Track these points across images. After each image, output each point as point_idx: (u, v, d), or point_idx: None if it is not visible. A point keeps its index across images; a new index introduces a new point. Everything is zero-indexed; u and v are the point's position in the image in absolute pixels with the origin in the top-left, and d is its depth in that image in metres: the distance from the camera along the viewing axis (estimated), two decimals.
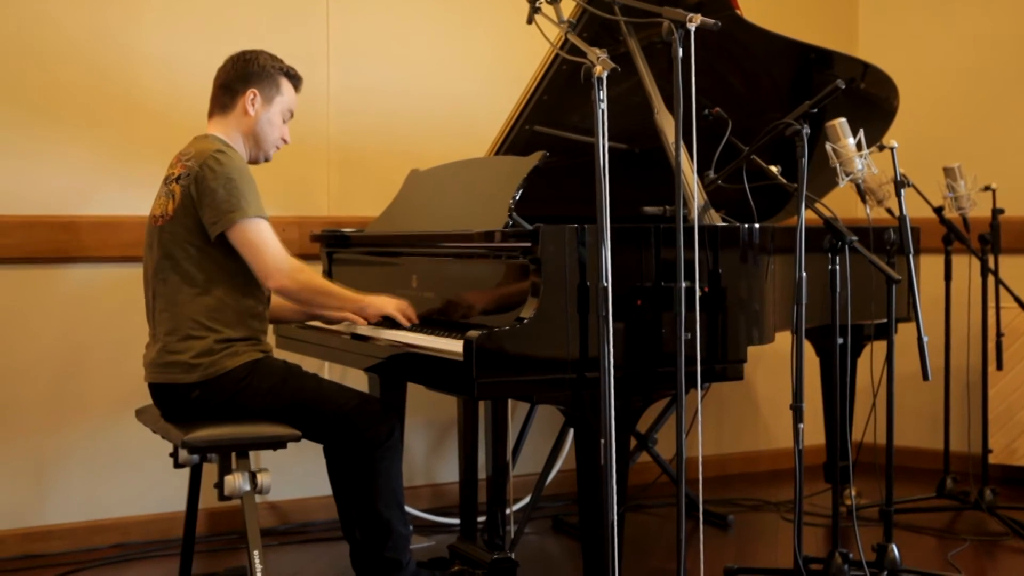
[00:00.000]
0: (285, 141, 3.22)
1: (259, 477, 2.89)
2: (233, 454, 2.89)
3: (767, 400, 5.22)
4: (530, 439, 4.20)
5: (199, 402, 2.95)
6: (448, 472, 4.42)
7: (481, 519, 3.56)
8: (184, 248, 2.98)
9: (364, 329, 3.14)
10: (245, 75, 3.12)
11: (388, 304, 3.09)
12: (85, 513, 3.86)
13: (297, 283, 2.97)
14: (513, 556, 3.29)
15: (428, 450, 4.45)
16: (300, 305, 3.26)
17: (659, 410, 4.32)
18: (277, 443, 2.91)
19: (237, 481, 2.86)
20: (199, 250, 2.97)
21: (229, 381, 2.93)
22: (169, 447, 3.12)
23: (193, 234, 2.97)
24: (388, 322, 3.10)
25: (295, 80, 3.21)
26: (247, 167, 3.03)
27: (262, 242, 2.94)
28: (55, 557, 3.75)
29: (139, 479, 3.92)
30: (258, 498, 2.91)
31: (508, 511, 3.44)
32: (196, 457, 3.08)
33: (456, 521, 3.88)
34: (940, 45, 5.18)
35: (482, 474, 3.53)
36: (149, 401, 3.14)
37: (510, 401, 3.60)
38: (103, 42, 3.87)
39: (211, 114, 3.18)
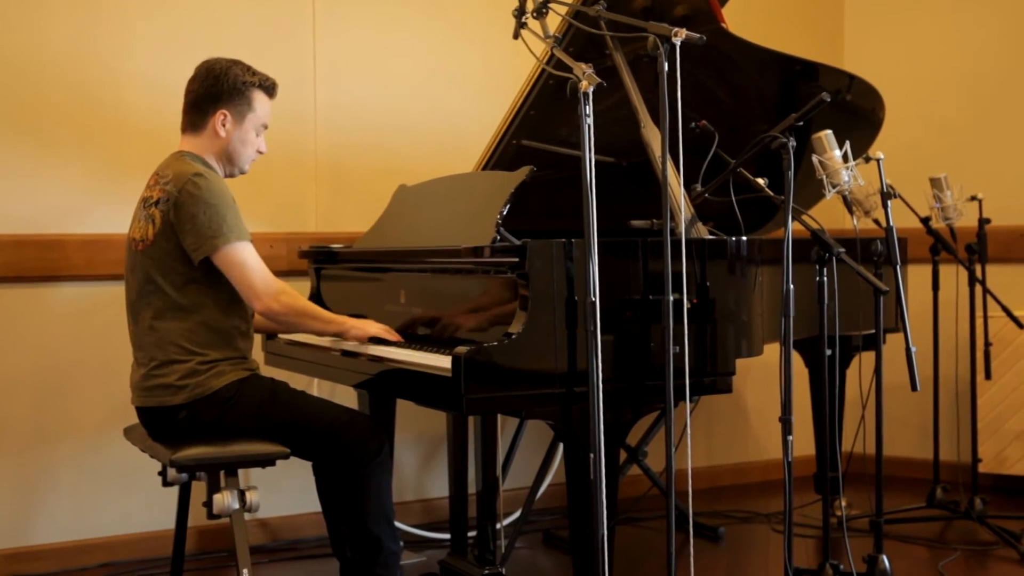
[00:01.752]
0: (261, 152, 3.19)
1: (248, 495, 2.89)
2: (222, 472, 2.88)
3: (757, 412, 5.22)
4: (520, 453, 4.19)
5: (187, 422, 2.94)
6: (438, 487, 4.41)
7: (472, 534, 3.55)
8: (166, 273, 2.97)
9: (353, 345, 3.13)
10: (215, 94, 3.07)
11: (370, 327, 3.09)
12: (73, 533, 3.85)
13: (283, 305, 2.96)
14: (504, 571, 3.28)
15: (418, 465, 4.44)
16: (283, 327, 3.26)
17: (649, 423, 4.32)
18: (266, 461, 2.90)
19: (226, 499, 2.86)
20: (181, 275, 2.96)
21: (216, 401, 2.93)
22: (157, 466, 3.11)
23: (175, 259, 2.95)
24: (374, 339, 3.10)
25: (269, 90, 3.15)
26: (226, 188, 3.00)
27: (247, 265, 2.92)
28: None
29: (127, 498, 3.90)
30: (247, 516, 2.90)
31: (498, 526, 3.43)
32: (184, 476, 3.07)
33: (447, 536, 3.87)
34: (926, 56, 5.20)
35: (472, 489, 3.52)
36: (137, 419, 3.13)
37: (500, 416, 3.59)
38: (90, 61, 3.87)
39: (184, 130, 3.14)
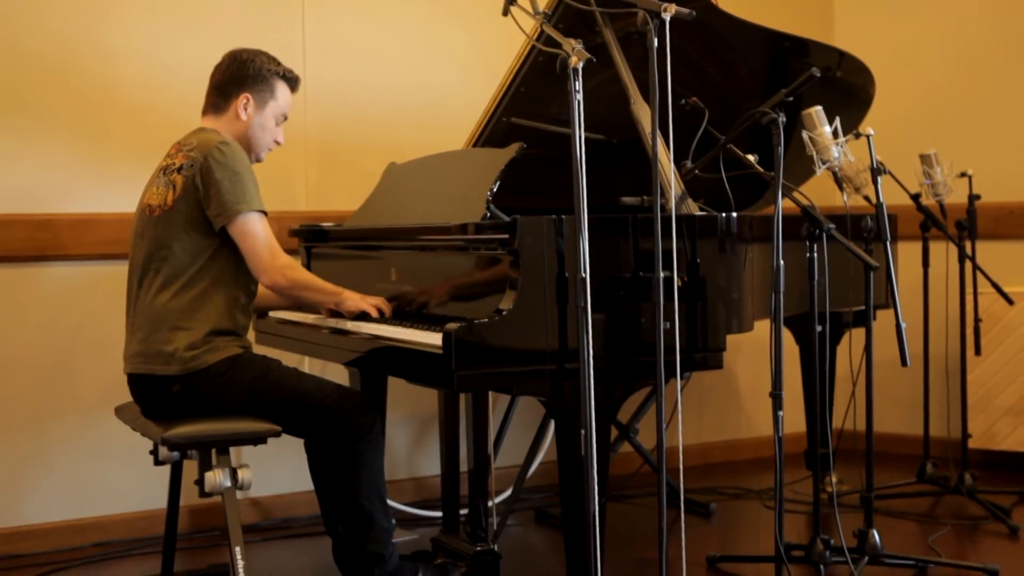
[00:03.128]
0: (278, 143, 3.24)
1: (240, 473, 2.89)
2: (213, 450, 2.88)
3: (748, 389, 5.23)
4: (512, 431, 4.20)
5: (179, 397, 2.94)
6: (430, 465, 4.42)
7: (463, 512, 3.56)
8: (180, 240, 2.98)
9: (343, 323, 3.14)
10: (239, 78, 3.12)
11: (364, 301, 3.11)
12: (65, 512, 3.85)
13: (288, 280, 3.01)
14: (496, 548, 3.29)
15: (410, 444, 4.45)
16: (286, 300, 3.30)
17: (640, 400, 4.33)
18: (257, 439, 2.90)
19: (217, 477, 2.86)
20: (194, 241, 2.98)
21: (209, 376, 2.93)
22: (149, 444, 3.11)
23: (192, 224, 2.97)
24: (367, 315, 3.11)
25: (292, 82, 3.21)
26: (248, 160, 3.05)
27: (260, 238, 2.97)
28: (35, 557, 3.73)
29: (119, 477, 3.91)
30: (240, 494, 2.91)
31: (490, 503, 3.44)
32: (176, 454, 3.07)
33: (439, 514, 3.87)
34: (916, 34, 5.20)
35: (464, 467, 3.53)
36: (129, 399, 3.13)
37: (492, 393, 3.60)
38: (80, 40, 3.85)
39: (205, 112, 3.18)
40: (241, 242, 2.96)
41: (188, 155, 3.00)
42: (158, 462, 3.15)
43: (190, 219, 2.97)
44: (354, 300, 3.11)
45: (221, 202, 2.93)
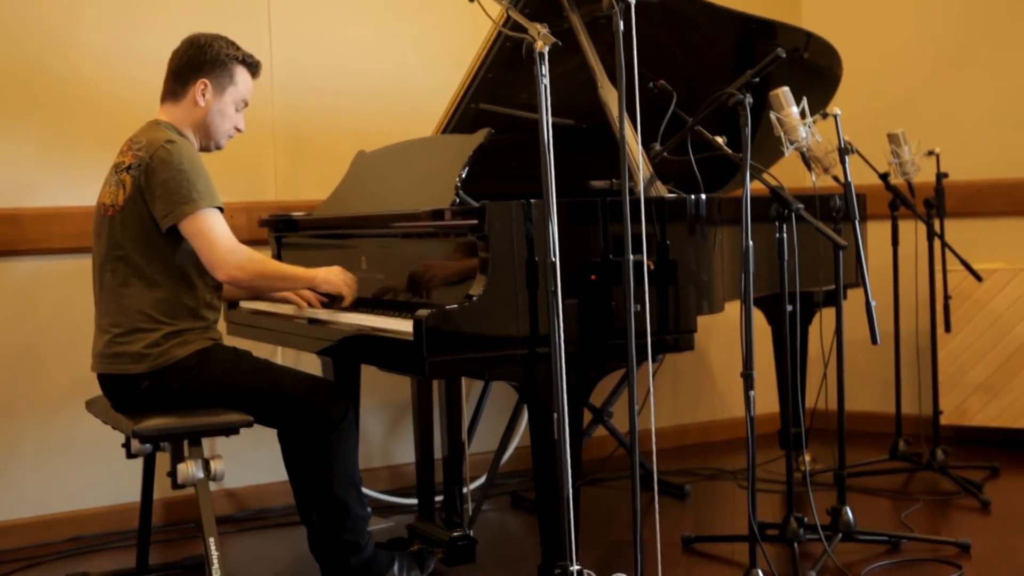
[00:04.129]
0: (239, 130, 3.17)
1: (212, 464, 2.88)
2: (185, 442, 2.87)
3: (722, 370, 5.26)
4: (487, 417, 4.20)
5: (149, 392, 2.93)
6: (405, 453, 4.42)
7: (439, 498, 3.56)
8: (134, 240, 2.94)
9: (315, 312, 3.13)
10: (197, 63, 3.06)
11: (338, 278, 3.07)
12: (38, 508, 3.83)
13: (248, 272, 2.92)
14: (472, 533, 3.29)
15: (385, 431, 4.45)
16: (253, 292, 3.24)
17: (614, 383, 4.33)
18: (229, 429, 2.89)
19: (190, 469, 2.85)
20: (149, 242, 2.94)
21: (179, 370, 2.91)
22: (122, 438, 3.10)
23: (144, 225, 2.93)
24: (335, 301, 3.10)
25: (252, 67, 3.15)
26: (198, 157, 2.99)
27: (212, 233, 2.88)
28: (8, 553, 3.71)
29: (92, 471, 3.88)
30: (215, 486, 2.90)
31: (465, 489, 3.44)
32: (149, 447, 3.06)
33: (414, 501, 3.87)
34: (883, 13, 5.21)
35: (439, 454, 3.53)
36: (99, 392, 3.11)
37: (466, 380, 3.60)
38: (41, 32, 3.81)
39: (163, 99, 3.12)
40: (192, 240, 2.89)
41: (136, 154, 2.95)
42: (130, 455, 3.14)
43: (140, 220, 2.93)
44: (330, 281, 3.07)
45: (166, 202, 2.87)
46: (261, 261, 3.00)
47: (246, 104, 3.17)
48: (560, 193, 2.49)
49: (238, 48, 3.12)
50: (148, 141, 2.96)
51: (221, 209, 2.95)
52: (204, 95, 3.06)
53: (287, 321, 3.28)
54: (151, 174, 2.89)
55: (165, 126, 3.04)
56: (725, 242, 3.18)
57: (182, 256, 2.96)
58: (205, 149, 3.14)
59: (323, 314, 3.11)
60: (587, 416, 4.16)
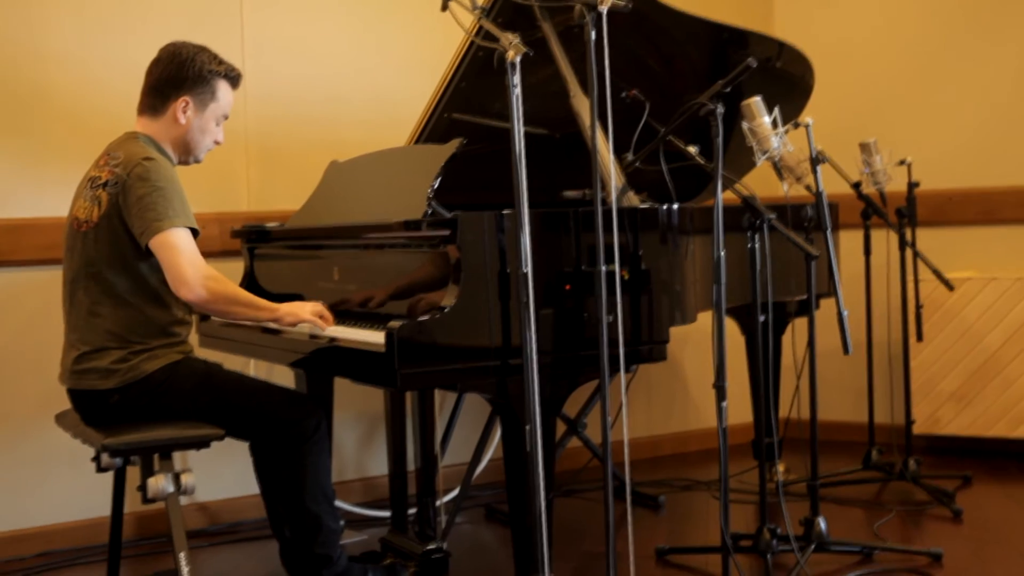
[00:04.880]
0: (218, 142, 3.13)
1: (183, 478, 2.85)
2: (156, 456, 2.84)
3: (696, 380, 5.26)
4: (460, 429, 4.19)
5: (119, 406, 2.90)
6: (379, 465, 4.39)
7: (412, 511, 3.55)
8: (108, 257, 2.91)
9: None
10: (178, 79, 2.99)
11: (303, 311, 2.96)
12: (6, 523, 3.78)
13: (211, 293, 2.83)
14: (445, 546, 3.28)
15: (358, 444, 4.42)
16: (215, 315, 3.19)
17: (588, 394, 4.33)
18: (200, 443, 2.87)
19: (160, 483, 2.82)
20: (122, 260, 2.91)
21: (149, 385, 2.89)
22: (91, 452, 3.07)
23: (119, 243, 2.90)
24: None
25: (234, 80, 3.10)
26: (176, 175, 2.94)
27: (179, 251, 2.82)
28: None
29: (62, 486, 3.84)
30: (186, 499, 2.88)
31: (438, 502, 3.43)
32: (119, 461, 3.03)
33: (388, 514, 3.86)
34: (855, 23, 5.24)
35: (412, 466, 3.51)
36: (69, 406, 3.08)
37: (439, 391, 3.58)
38: (11, 40, 3.78)
39: (141, 111, 3.07)
40: (160, 256, 2.83)
41: (113, 171, 2.91)
42: (100, 469, 3.10)
43: (116, 237, 2.89)
44: (293, 314, 2.95)
45: (143, 219, 2.83)
46: (227, 285, 2.91)
47: (226, 118, 3.13)
48: (533, 203, 2.48)
49: (221, 62, 3.06)
50: (126, 156, 2.92)
51: (196, 231, 2.91)
52: (185, 112, 3.01)
53: (260, 333, 3.26)
54: (128, 191, 2.86)
55: (143, 140, 3.00)
56: (698, 252, 3.18)
57: (155, 274, 2.92)
58: (183, 163, 3.10)
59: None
60: (561, 427, 4.15)
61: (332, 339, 2.89)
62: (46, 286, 3.69)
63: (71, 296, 2.99)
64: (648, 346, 2.95)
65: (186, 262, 2.82)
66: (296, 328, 3.03)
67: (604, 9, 2.50)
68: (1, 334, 3.79)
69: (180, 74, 3.00)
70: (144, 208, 2.84)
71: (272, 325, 3.10)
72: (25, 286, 3.81)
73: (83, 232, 2.95)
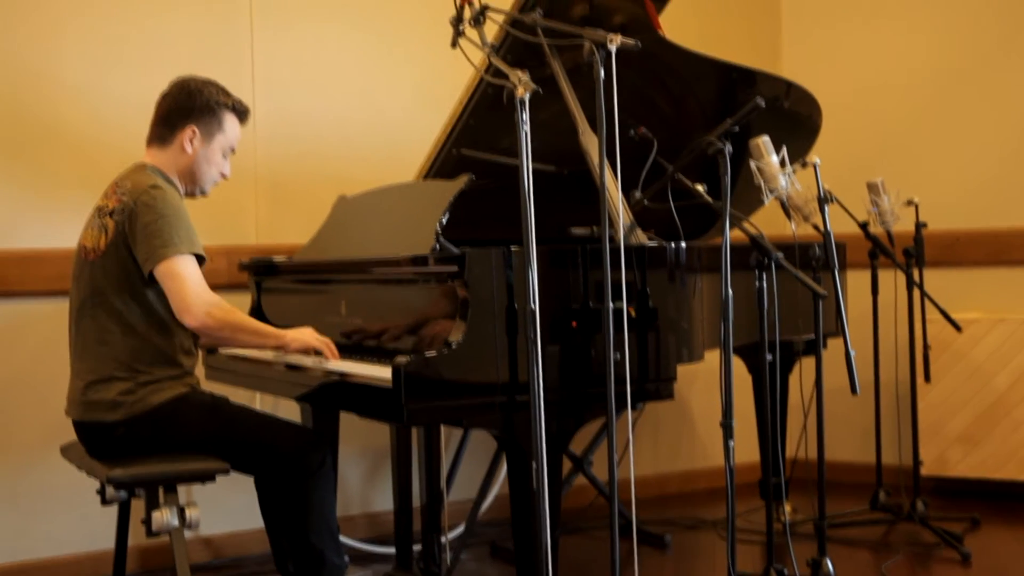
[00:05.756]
0: (224, 176, 3.16)
1: (188, 511, 2.84)
2: (161, 489, 2.84)
3: (703, 419, 5.24)
4: (465, 464, 4.17)
5: (125, 439, 2.90)
6: (384, 500, 4.38)
7: (417, 547, 3.53)
8: (114, 285, 2.92)
9: (294, 357, 3.10)
10: (186, 109, 3.04)
11: (309, 336, 2.99)
12: (10, 555, 3.76)
13: (215, 320, 2.86)
14: None
15: (363, 479, 4.41)
16: (220, 342, 3.19)
17: (595, 431, 4.31)
18: (205, 476, 2.86)
19: (165, 516, 2.81)
20: (129, 288, 2.92)
21: (154, 417, 2.88)
22: (96, 484, 3.06)
23: (125, 271, 2.91)
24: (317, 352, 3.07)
25: (241, 114, 3.13)
26: (182, 204, 2.97)
27: (185, 278, 2.84)
28: None
29: (66, 518, 3.83)
30: (190, 533, 2.87)
31: (444, 538, 3.41)
32: (124, 493, 3.01)
33: (393, 550, 3.84)
34: (862, 64, 5.26)
35: (418, 502, 3.50)
36: (75, 438, 3.07)
37: (445, 427, 3.58)
38: (20, 72, 3.81)
39: (149, 142, 3.10)
40: (165, 283, 2.85)
41: (121, 199, 2.94)
42: (105, 502, 3.09)
43: (123, 265, 2.91)
44: (299, 340, 2.98)
45: (148, 246, 2.85)
46: (231, 311, 2.92)
47: (233, 151, 3.15)
48: (541, 239, 2.48)
49: (228, 95, 3.10)
50: (133, 185, 2.94)
51: (202, 259, 2.92)
52: (192, 142, 3.04)
53: (266, 366, 3.26)
54: (134, 219, 2.88)
55: (151, 170, 3.02)
56: (705, 290, 3.18)
57: (161, 302, 2.93)
58: (190, 195, 3.12)
59: (300, 359, 3.08)
60: (567, 464, 4.13)
61: (339, 373, 2.89)
62: (54, 317, 3.69)
63: (77, 324, 3.00)
64: (655, 384, 2.94)
65: (189, 290, 2.84)
66: (300, 361, 3.03)
67: (613, 47, 2.51)
68: (9, 364, 3.79)
69: (188, 104, 3.04)
70: (150, 235, 2.85)
71: (277, 353, 3.11)
72: (33, 316, 3.82)
73: (90, 260, 2.96)
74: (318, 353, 3.01)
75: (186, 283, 2.85)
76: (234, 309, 2.95)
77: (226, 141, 3.11)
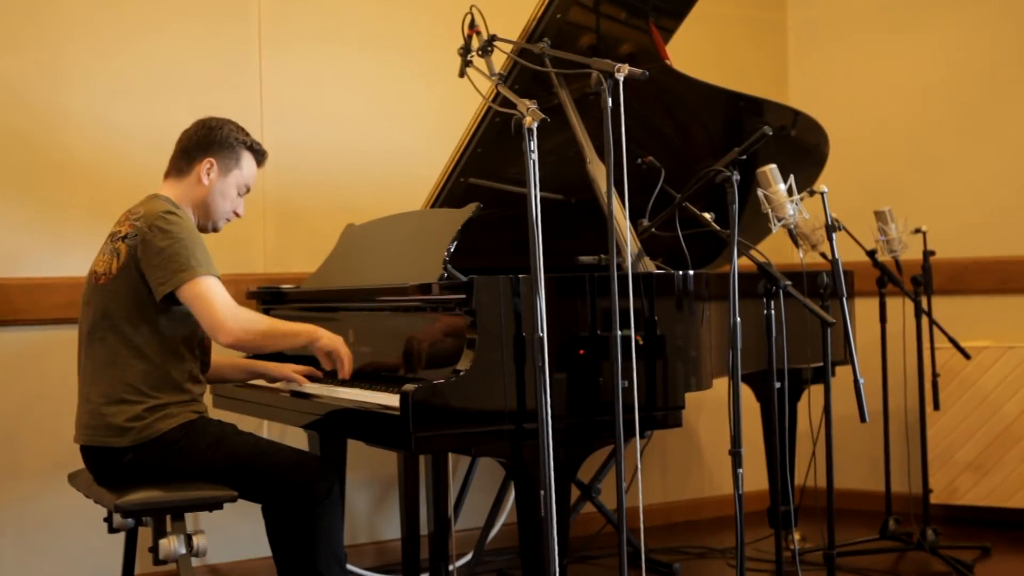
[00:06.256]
0: (237, 214, 3.19)
1: (195, 539, 2.84)
2: (168, 517, 2.83)
3: (711, 447, 5.23)
4: (473, 493, 4.16)
5: (132, 465, 2.90)
6: (391, 529, 4.37)
7: None
8: (125, 309, 2.93)
9: (302, 386, 3.11)
10: (206, 142, 3.08)
11: (340, 344, 3.01)
12: None
13: (252, 334, 2.90)
14: None
15: (371, 507, 4.40)
16: (257, 352, 3.18)
17: (603, 459, 4.30)
18: (213, 504, 2.86)
19: (172, 544, 2.81)
20: (140, 312, 2.93)
21: (162, 444, 2.88)
22: (103, 512, 3.06)
23: (136, 295, 2.92)
24: (326, 376, 3.08)
25: (259, 155, 3.18)
26: (195, 228, 3.00)
27: (213, 297, 2.87)
28: None
29: (73, 546, 3.83)
30: (198, 561, 2.86)
31: (452, 567, 3.41)
32: (131, 521, 3.02)
33: None
34: (869, 92, 5.27)
35: (425, 530, 3.49)
36: (83, 466, 3.07)
37: (452, 455, 3.57)
38: (30, 103, 3.83)
39: (167, 175, 3.14)
40: (193, 305, 2.88)
41: (134, 224, 2.96)
42: (112, 530, 3.10)
43: (134, 289, 2.92)
44: (333, 341, 3.00)
45: (164, 271, 2.86)
46: (260, 320, 3.00)
47: (248, 190, 3.19)
48: (548, 268, 2.49)
49: (247, 134, 3.15)
50: (146, 212, 2.97)
51: (218, 279, 2.95)
52: (209, 174, 3.08)
53: (273, 395, 3.26)
54: (147, 243, 2.89)
55: (164, 199, 3.05)
56: (713, 318, 3.17)
57: (172, 327, 2.94)
58: (203, 230, 3.14)
59: (309, 388, 3.09)
60: (575, 492, 4.12)
61: (346, 401, 2.89)
62: (64, 346, 3.70)
63: (87, 348, 3.01)
64: (663, 412, 2.93)
65: (224, 309, 2.87)
66: (306, 389, 3.04)
67: (621, 77, 2.53)
68: (18, 392, 3.80)
69: (208, 138, 3.09)
70: (167, 259, 2.87)
71: (296, 377, 3.14)
72: (44, 345, 3.83)
73: (101, 284, 2.98)
74: (327, 374, 3.01)
75: (214, 302, 2.87)
76: (262, 317, 3.04)
77: (242, 178, 3.14)
